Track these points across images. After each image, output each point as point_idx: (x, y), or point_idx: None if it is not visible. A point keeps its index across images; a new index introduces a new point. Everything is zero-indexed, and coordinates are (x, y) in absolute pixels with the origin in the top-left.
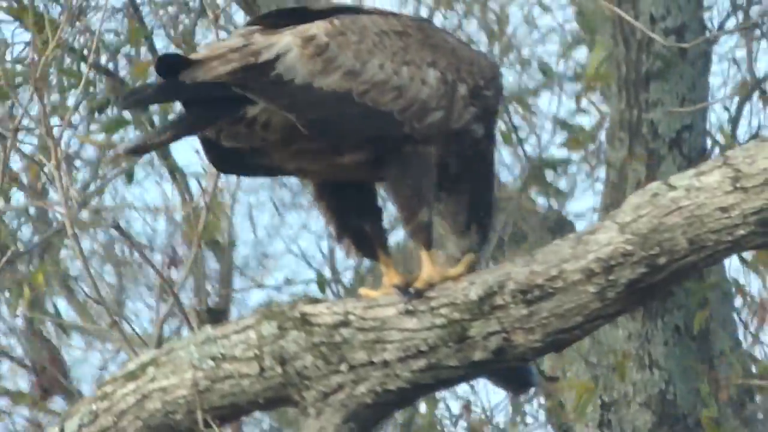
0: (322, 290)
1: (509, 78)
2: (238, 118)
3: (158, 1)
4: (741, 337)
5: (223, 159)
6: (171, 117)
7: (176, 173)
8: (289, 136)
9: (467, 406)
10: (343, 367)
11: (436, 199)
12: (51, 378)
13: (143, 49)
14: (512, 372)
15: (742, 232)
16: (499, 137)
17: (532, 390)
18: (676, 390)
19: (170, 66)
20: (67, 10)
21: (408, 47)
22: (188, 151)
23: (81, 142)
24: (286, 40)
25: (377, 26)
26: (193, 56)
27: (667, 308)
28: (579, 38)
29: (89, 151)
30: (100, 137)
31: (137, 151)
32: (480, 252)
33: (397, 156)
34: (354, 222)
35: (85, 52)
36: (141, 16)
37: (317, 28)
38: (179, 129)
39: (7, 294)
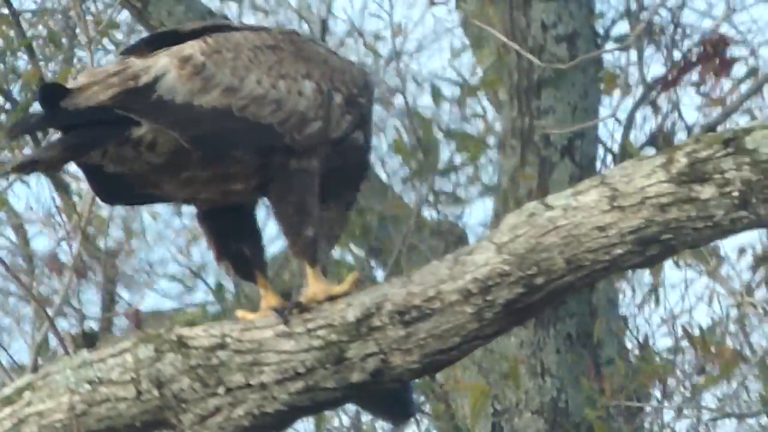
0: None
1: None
2: (123, 139)
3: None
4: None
5: (109, 189)
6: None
7: (59, 187)
8: (177, 160)
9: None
10: (221, 389)
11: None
12: None
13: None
14: (392, 402)
15: (619, 251)
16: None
17: (411, 420)
18: (568, 397)
19: (51, 95)
20: None
21: (282, 60)
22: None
23: None
24: (163, 62)
25: (250, 42)
26: (72, 84)
27: (559, 316)
28: (465, 45)
29: None
30: None
31: (26, 167)
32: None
33: (282, 174)
34: (234, 245)
35: None
36: (19, 23)
37: (191, 47)
38: (66, 147)
39: None
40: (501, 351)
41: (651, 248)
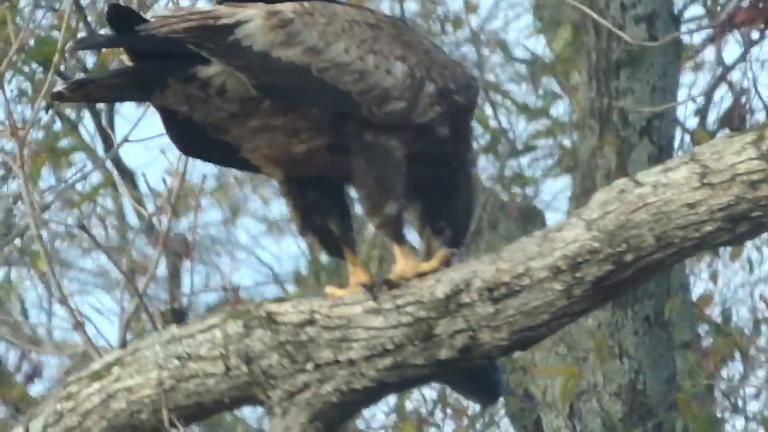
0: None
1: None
2: (189, 76)
3: None
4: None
5: (184, 137)
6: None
7: (126, 176)
8: (246, 107)
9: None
10: (309, 365)
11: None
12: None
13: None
14: (481, 382)
15: (709, 228)
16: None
17: (500, 400)
18: (646, 379)
19: (123, 18)
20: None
21: (378, 39)
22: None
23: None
24: (251, 11)
25: (349, 15)
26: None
27: (637, 297)
28: (539, 27)
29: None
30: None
31: (80, 85)
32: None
33: (360, 146)
34: (319, 220)
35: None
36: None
37: (285, 6)
38: (130, 76)
39: None
40: (578, 333)
41: (741, 225)
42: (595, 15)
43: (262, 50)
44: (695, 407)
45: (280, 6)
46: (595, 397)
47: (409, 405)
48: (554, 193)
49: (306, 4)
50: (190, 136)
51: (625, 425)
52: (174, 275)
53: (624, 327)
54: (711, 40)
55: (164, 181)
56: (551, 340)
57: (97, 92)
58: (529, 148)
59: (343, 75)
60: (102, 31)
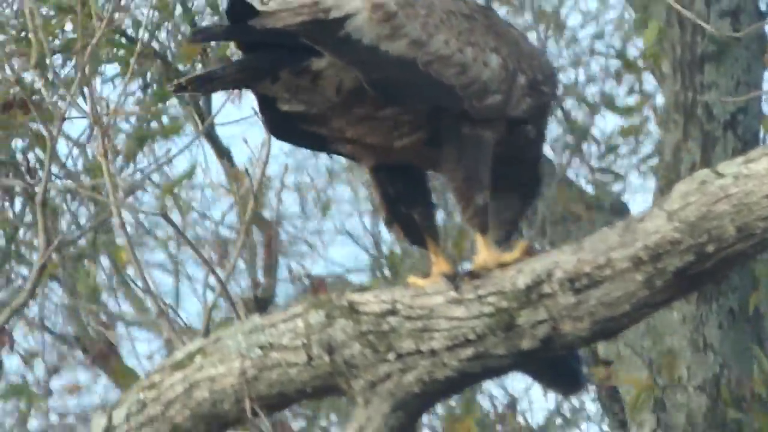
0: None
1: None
2: (302, 68)
3: None
4: None
5: (279, 123)
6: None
7: (223, 156)
8: (353, 98)
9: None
10: (391, 356)
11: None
12: (103, 353)
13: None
14: (562, 372)
15: None
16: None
17: (582, 390)
18: (731, 373)
19: (240, 12)
20: None
21: (473, 30)
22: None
23: (123, 114)
24: (356, 3)
25: (445, 5)
26: (262, 7)
27: (722, 291)
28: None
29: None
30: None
31: (201, 81)
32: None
33: (455, 137)
34: (404, 209)
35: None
36: None
37: None
38: (245, 68)
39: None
40: (663, 327)
41: None
42: (680, 8)
43: (370, 44)
44: None
45: None
46: (680, 390)
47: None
48: (640, 188)
49: None
50: (285, 124)
51: (709, 419)
52: (269, 266)
53: (708, 321)
54: None
55: (246, 172)
56: (636, 331)
57: (218, 85)
58: (612, 149)
59: (446, 68)
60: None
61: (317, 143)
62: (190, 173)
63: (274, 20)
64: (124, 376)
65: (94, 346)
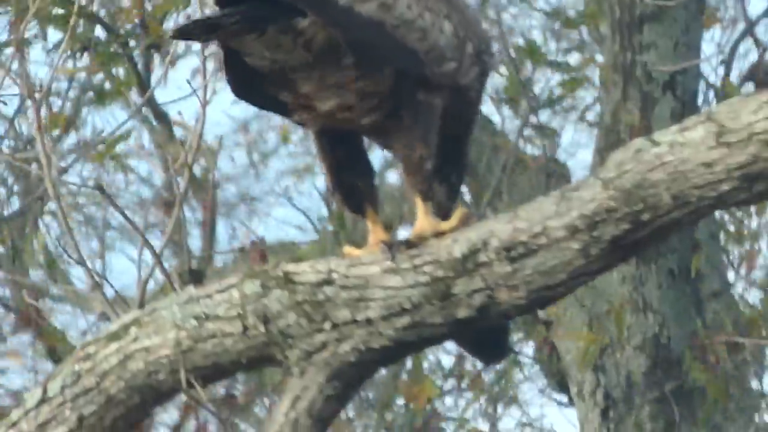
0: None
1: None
2: (286, 26)
3: None
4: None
5: (243, 83)
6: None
7: (161, 120)
8: (327, 60)
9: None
10: (327, 325)
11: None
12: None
13: None
14: (486, 341)
15: (725, 187)
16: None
17: (501, 360)
18: (670, 333)
19: None
20: None
21: None
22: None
23: (62, 73)
24: None
25: None
26: None
27: (661, 251)
28: None
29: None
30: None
31: (206, 28)
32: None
33: (410, 104)
34: (349, 177)
35: None
36: None
37: None
38: (244, 17)
39: None
40: (603, 287)
41: (758, 184)
42: None
43: (345, 4)
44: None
45: None
46: (619, 351)
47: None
48: (576, 145)
49: None
50: (248, 83)
51: (648, 379)
52: (206, 234)
53: (648, 281)
54: None
55: (181, 143)
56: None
57: (217, 34)
58: (551, 102)
59: (410, 32)
60: None
61: (275, 107)
62: (124, 136)
63: None
64: (54, 339)
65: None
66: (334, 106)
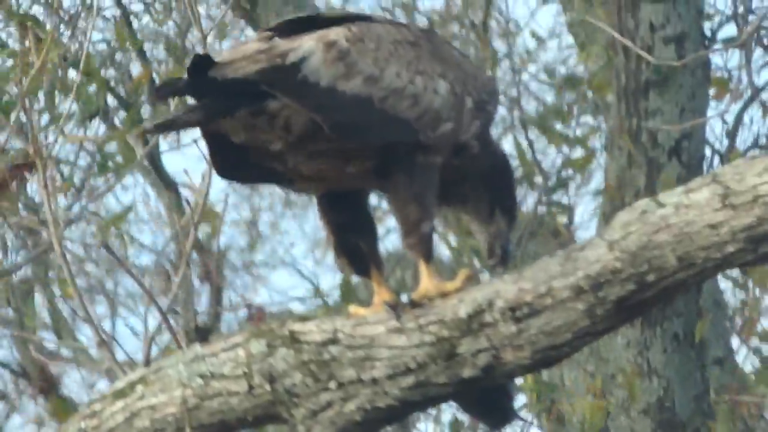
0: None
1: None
2: (258, 110)
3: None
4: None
5: (230, 162)
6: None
7: (168, 185)
8: (308, 136)
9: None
10: (332, 384)
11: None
12: (47, 381)
13: (134, 59)
14: (492, 407)
15: (731, 249)
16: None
17: (509, 425)
18: (675, 397)
19: (200, 65)
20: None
21: (420, 57)
22: (178, 166)
23: (71, 142)
24: (309, 44)
25: (391, 35)
26: (219, 57)
27: (666, 316)
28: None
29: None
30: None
31: (164, 127)
32: (508, 233)
33: (405, 166)
34: (352, 239)
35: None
36: (130, 24)
37: (336, 34)
38: (205, 112)
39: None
40: (607, 352)
41: (763, 246)
42: (621, 38)
43: (327, 85)
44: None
45: (332, 35)
46: (624, 414)
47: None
48: (588, 214)
49: (354, 28)
50: (235, 162)
51: None
52: (214, 296)
53: (653, 345)
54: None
55: (187, 202)
56: (581, 355)
57: (179, 128)
58: (562, 184)
59: (400, 102)
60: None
61: (267, 179)
62: (129, 209)
63: (233, 70)
64: (63, 412)
65: (37, 378)
66: (320, 171)
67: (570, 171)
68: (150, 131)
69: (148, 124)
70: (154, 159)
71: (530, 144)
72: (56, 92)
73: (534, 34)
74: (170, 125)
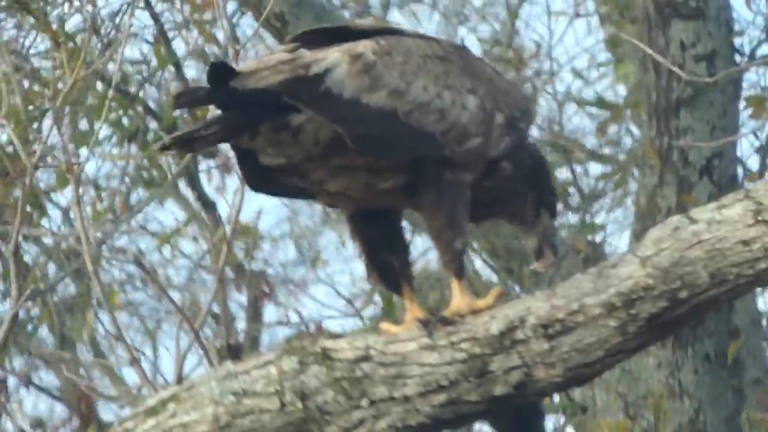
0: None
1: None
2: (281, 124)
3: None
4: None
5: (259, 176)
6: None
7: (204, 203)
8: (332, 149)
9: None
10: (364, 402)
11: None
12: (87, 407)
13: (171, 78)
14: (523, 427)
15: (763, 265)
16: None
17: None
18: (706, 419)
19: (220, 74)
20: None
21: (449, 72)
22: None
23: (104, 159)
24: (335, 56)
25: (420, 49)
26: (241, 67)
27: (697, 336)
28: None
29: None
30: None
31: (183, 141)
32: (554, 226)
33: (435, 183)
34: (383, 255)
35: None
36: (169, 44)
37: (363, 46)
38: (225, 126)
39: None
40: (638, 372)
41: None
42: (653, 53)
43: (351, 97)
44: None
45: (359, 47)
46: None
47: None
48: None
49: (382, 41)
50: (265, 177)
51: None
52: (253, 312)
53: (684, 366)
54: None
55: (220, 219)
56: (612, 375)
57: (200, 144)
58: (596, 197)
59: (426, 116)
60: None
61: (296, 194)
62: (177, 230)
63: (255, 80)
64: None
65: (77, 403)
66: (346, 188)
67: (604, 184)
68: (168, 146)
69: (166, 139)
70: (192, 177)
71: (569, 161)
72: (88, 109)
73: (576, 72)
74: (188, 140)
